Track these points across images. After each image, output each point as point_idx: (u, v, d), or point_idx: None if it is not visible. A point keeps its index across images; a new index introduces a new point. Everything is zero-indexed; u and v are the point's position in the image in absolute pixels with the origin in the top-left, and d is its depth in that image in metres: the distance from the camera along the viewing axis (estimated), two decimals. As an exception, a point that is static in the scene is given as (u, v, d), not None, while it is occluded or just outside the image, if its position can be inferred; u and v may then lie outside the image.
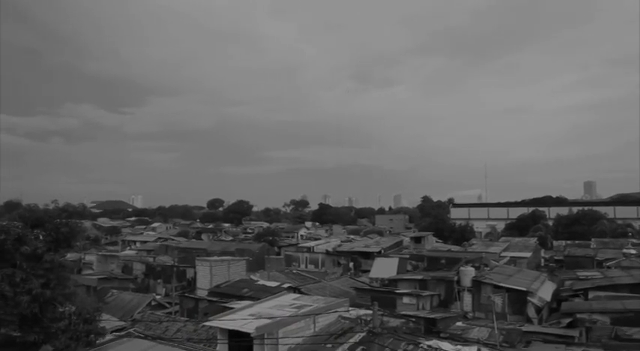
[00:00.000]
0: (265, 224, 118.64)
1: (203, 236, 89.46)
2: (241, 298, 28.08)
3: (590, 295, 28.08)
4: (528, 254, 46.36)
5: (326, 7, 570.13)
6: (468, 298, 29.87)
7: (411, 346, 15.94)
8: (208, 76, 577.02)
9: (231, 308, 21.83)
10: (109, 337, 16.10)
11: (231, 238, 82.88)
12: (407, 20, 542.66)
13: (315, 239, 72.26)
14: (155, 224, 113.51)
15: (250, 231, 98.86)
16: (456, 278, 30.51)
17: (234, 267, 36.99)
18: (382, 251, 50.41)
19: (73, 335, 13.66)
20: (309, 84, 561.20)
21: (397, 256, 44.18)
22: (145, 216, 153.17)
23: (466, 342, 18.91)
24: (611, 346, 20.13)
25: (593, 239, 58.24)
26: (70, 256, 31.53)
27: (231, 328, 17.03)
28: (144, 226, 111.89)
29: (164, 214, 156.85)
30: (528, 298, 27.71)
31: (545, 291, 30.39)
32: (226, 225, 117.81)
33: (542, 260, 53.20)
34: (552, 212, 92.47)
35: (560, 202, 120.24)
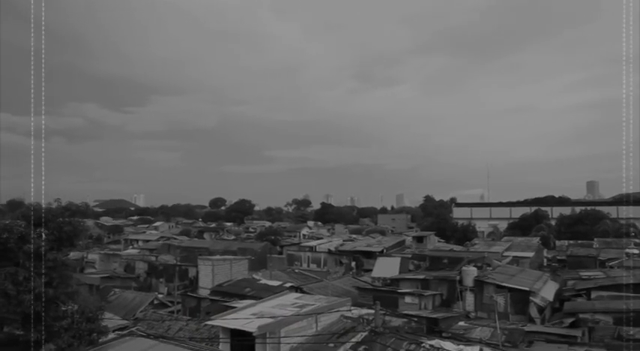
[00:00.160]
0: (267, 223, 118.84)
1: (205, 235, 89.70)
2: (243, 297, 28.09)
3: (593, 295, 28.03)
4: (531, 254, 46.25)
5: (326, 7, 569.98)
6: (470, 298, 29.82)
7: (413, 346, 15.92)
8: (211, 75, 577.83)
9: (234, 307, 21.85)
10: (111, 335, 16.14)
11: (233, 237, 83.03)
12: (408, 20, 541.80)
13: (318, 238, 72.34)
14: (157, 223, 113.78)
15: (252, 230, 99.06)
16: (458, 278, 30.46)
17: (236, 266, 37.04)
18: (384, 251, 50.42)
19: (75, 334, 13.71)
20: (311, 83, 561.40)
21: (399, 255, 44.14)
22: (147, 215, 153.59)
23: (468, 342, 18.86)
24: (614, 346, 20.07)
25: (595, 239, 58.09)
26: (73, 254, 31.62)
27: (233, 327, 17.05)
28: (146, 225, 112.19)
29: (166, 213, 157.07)
30: (531, 297, 27.65)
31: (548, 291, 30.32)
32: (228, 224, 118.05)
33: (545, 260, 53.03)
34: (555, 212, 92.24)
35: (562, 201, 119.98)
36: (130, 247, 72.36)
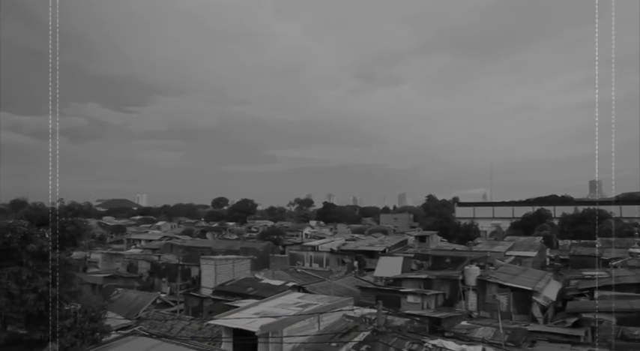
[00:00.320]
0: (270, 223, 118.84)
1: (208, 235, 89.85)
2: (246, 296, 28.13)
3: (596, 294, 27.93)
4: (534, 253, 46.18)
5: (327, 7, 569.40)
6: (472, 298, 29.80)
7: (415, 345, 15.92)
8: (212, 75, 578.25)
9: (236, 307, 21.89)
10: (114, 335, 16.18)
11: (235, 236, 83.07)
12: (408, 19, 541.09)
13: (320, 238, 72.33)
14: (160, 223, 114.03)
15: (255, 230, 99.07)
16: (460, 277, 30.44)
17: (238, 266, 37.05)
18: (387, 250, 50.38)
19: (78, 333, 13.74)
20: (312, 83, 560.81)
21: (402, 255, 44.13)
22: (149, 214, 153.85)
23: (471, 341, 18.85)
24: (618, 346, 20.02)
25: (598, 238, 57.93)
26: (76, 254, 31.66)
27: (235, 326, 17.08)
28: (149, 225, 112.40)
29: (169, 212, 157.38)
30: (533, 297, 27.61)
31: (551, 290, 30.26)
32: (231, 224, 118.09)
33: (548, 259, 52.94)
34: (558, 211, 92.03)
35: (565, 201, 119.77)
36: (133, 246, 72.49)
